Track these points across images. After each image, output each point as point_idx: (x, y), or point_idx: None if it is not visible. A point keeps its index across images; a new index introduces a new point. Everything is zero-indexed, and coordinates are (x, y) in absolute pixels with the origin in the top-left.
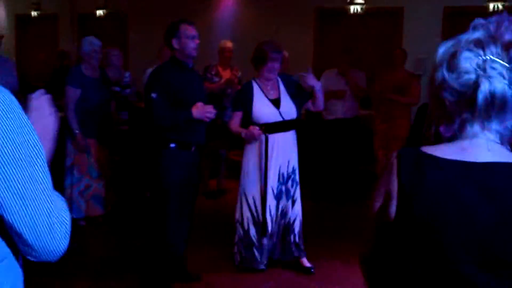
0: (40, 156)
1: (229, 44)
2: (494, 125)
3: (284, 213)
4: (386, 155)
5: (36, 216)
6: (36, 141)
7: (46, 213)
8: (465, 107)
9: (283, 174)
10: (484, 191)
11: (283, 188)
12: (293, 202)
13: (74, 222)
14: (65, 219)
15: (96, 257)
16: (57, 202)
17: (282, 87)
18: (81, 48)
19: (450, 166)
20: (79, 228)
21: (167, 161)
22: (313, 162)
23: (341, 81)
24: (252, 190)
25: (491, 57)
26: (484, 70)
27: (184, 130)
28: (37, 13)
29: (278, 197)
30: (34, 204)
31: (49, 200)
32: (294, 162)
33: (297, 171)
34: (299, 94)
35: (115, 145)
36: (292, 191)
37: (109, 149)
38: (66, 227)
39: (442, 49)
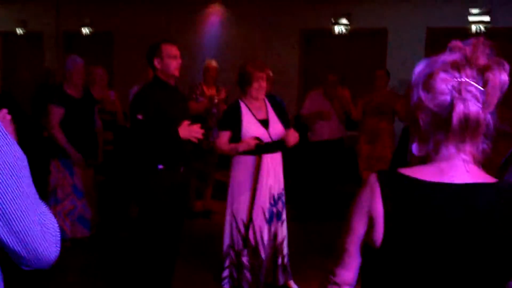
0: (25, 168)
1: (214, 63)
2: (468, 147)
3: (275, 236)
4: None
5: (28, 230)
6: (21, 154)
7: (37, 225)
8: (439, 128)
9: (273, 196)
10: (469, 212)
11: (274, 210)
12: (281, 223)
13: (65, 243)
14: (55, 227)
15: (81, 278)
16: (46, 211)
17: (269, 108)
18: (65, 67)
19: (434, 188)
20: (64, 249)
21: (155, 183)
22: (299, 183)
23: (326, 102)
24: (242, 211)
25: (467, 79)
26: (460, 92)
27: (171, 151)
28: (23, 31)
29: (270, 220)
30: (25, 219)
31: (38, 212)
32: (282, 183)
33: (284, 192)
34: (283, 119)
35: (100, 165)
36: (283, 215)
37: (94, 168)
38: (56, 235)
39: (418, 69)
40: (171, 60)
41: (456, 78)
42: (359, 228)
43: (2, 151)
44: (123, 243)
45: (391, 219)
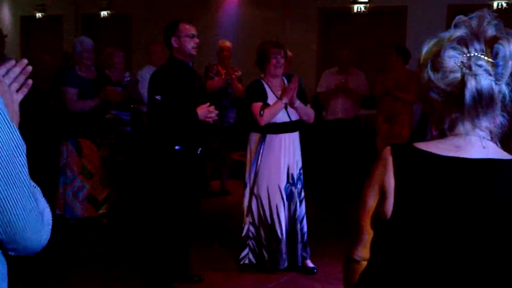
0: (22, 156)
1: (227, 43)
2: (484, 122)
3: (295, 215)
4: None
5: (18, 218)
6: (19, 141)
7: (29, 213)
8: (453, 106)
9: (292, 175)
10: (482, 186)
11: (294, 189)
12: (300, 202)
13: (69, 221)
14: (47, 216)
15: (95, 257)
16: (38, 198)
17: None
18: (74, 49)
19: (447, 162)
20: (73, 227)
21: (173, 164)
22: (315, 163)
23: (341, 80)
24: (260, 188)
25: (476, 54)
26: (469, 67)
27: (189, 132)
28: (42, 15)
29: (289, 198)
30: (16, 206)
31: (31, 198)
32: (300, 163)
33: (302, 173)
34: (301, 97)
35: (119, 146)
36: (302, 193)
37: (112, 149)
38: (48, 223)
39: (425, 49)
40: (189, 39)
41: (465, 53)
42: (371, 201)
43: (2, 139)
44: (137, 222)
45: (402, 192)
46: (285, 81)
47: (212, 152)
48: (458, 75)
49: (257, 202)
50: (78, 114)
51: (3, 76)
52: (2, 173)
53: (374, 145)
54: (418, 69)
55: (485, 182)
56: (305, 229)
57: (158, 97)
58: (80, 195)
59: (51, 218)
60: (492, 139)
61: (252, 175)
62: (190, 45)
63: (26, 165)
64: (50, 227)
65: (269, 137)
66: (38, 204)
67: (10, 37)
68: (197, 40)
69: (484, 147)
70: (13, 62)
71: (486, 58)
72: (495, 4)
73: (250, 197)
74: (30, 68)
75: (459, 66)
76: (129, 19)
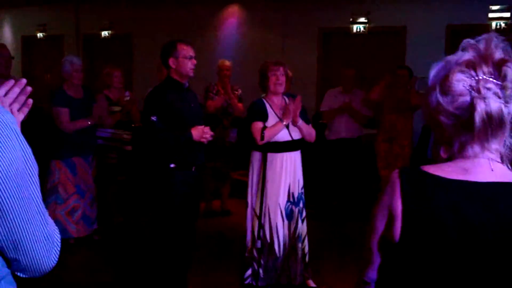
0: (35, 176)
1: (227, 63)
2: (494, 145)
3: (296, 234)
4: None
5: (29, 240)
6: (31, 159)
7: (40, 235)
8: (463, 129)
9: (293, 194)
10: (489, 210)
11: (294, 208)
12: (302, 221)
13: (63, 241)
14: (57, 237)
15: (87, 276)
16: (49, 220)
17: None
18: (62, 68)
19: (455, 186)
20: (68, 247)
21: (167, 181)
22: (316, 182)
23: (345, 100)
24: (262, 207)
25: (484, 77)
26: (478, 91)
27: (184, 150)
28: (43, 35)
29: (289, 217)
30: (28, 228)
31: (42, 220)
32: (302, 182)
33: (303, 190)
34: (303, 116)
35: (120, 165)
36: (303, 212)
37: (113, 168)
38: (57, 245)
39: (433, 72)
40: (187, 61)
41: (473, 77)
42: (380, 225)
43: (16, 158)
44: (134, 243)
45: (410, 216)
46: (286, 100)
47: (213, 172)
48: (467, 98)
49: (259, 222)
50: (70, 133)
51: (3, 96)
52: (15, 194)
53: (375, 164)
54: (426, 92)
55: (493, 206)
56: (307, 249)
57: (153, 118)
58: (75, 215)
59: (60, 240)
60: (502, 161)
61: (254, 194)
62: (188, 66)
63: (39, 186)
64: (59, 248)
65: (270, 156)
66: (48, 224)
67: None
68: (195, 61)
69: (492, 170)
70: (12, 82)
71: (494, 81)
72: (493, 24)
73: (253, 217)
74: (29, 88)
75: (468, 89)
76: (130, 39)
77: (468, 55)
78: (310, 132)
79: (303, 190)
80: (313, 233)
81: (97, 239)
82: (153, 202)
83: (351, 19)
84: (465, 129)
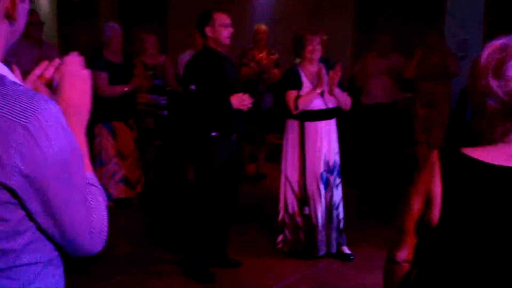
0: (81, 166)
1: (263, 27)
2: None
3: (330, 201)
4: (428, 140)
5: (76, 227)
6: (77, 149)
7: (85, 219)
8: (509, 115)
9: (328, 162)
10: None
11: (330, 177)
12: (336, 188)
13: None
14: (103, 224)
15: (126, 239)
16: (97, 201)
17: (324, 74)
18: (103, 34)
19: (497, 172)
20: (108, 209)
21: (209, 150)
22: (352, 147)
23: (380, 64)
24: (294, 175)
25: None
26: None
27: (224, 119)
28: None
29: (326, 187)
30: (73, 215)
31: (87, 205)
32: (337, 150)
33: (339, 159)
34: (338, 84)
35: (156, 130)
36: (337, 179)
37: (150, 133)
38: (103, 229)
39: (487, 53)
40: (223, 29)
41: None
42: (417, 206)
43: (62, 148)
44: (173, 206)
45: (450, 200)
46: (322, 66)
47: (248, 136)
48: None
49: (292, 189)
50: (110, 97)
51: (38, 77)
52: (61, 184)
53: (412, 129)
54: (473, 73)
55: None
56: (341, 215)
57: (192, 87)
58: (116, 177)
59: (106, 229)
60: None
61: (290, 163)
62: (225, 34)
63: (84, 173)
64: (105, 237)
65: (305, 124)
66: (94, 212)
67: (47, 18)
68: (232, 30)
69: None
70: (45, 63)
71: None
72: None
73: (285, 185)
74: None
75: None
76: (166, 1)
77: None
78: (346, 100)
79: (338, 157)
80: (348, 199)
81: (135, 203)
82: (195, 168)
83: None
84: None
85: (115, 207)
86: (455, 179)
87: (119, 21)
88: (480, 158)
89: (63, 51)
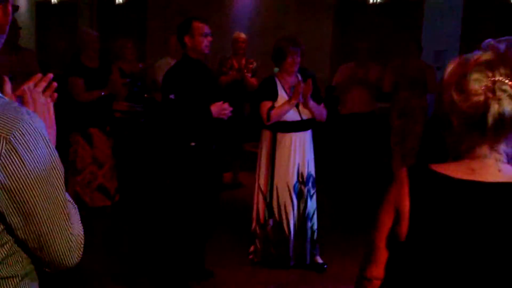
0: (61, 178)
1: (242, 35)
2: (503, 146)
3: (305, 213)
4: (402, 150)
5: (54, 240)
6: (58, 163)
7: (64, 233)
8: (473, 129)
9: (302, 174)
10: (497, 211)
11: (303, 187)
12: (311, 198)
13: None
14: (80, 233)
15: (104, 251)
16: (73, 216)
17: (301, 86)
18: (78, 39)
19: (462, 186)
20: (83, 218)
21: (188, 160)
22: (328, 157)
23: (358, 74)
24: (265, 185)
25: (501, 78)
26: (493, 92)
27: (203, 128)
28: (57, 1)
29: (299, 197)
30: (52, 229)
31: (66, 219)
32: (312, 161)
33: (314, 170)
34: (315, 95)
35: (133, 137)
36: (311, 190)
37: (126, 138)
38: (81, 242)
39: (450, 69)
40: (202, 38)
41: (490, 77)
42: (387, 222)
43: (43, 161)
44: (148, 216)
45: (417, 214)
46: (299, 77)
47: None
48: (482, 98)
49: (265, 200)
50: (87, 104)
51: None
52: (42, 196)
53: (388, 139)
54: (440, 86)
55: (500, 206)
56: (316, 226)
57: (172, 96)
58: (92, 185)
59: (83, 240)
60: (509, 162)
61: (262, 173)
62: (204, 43)
63: (64, 188)
64: (82, 247)
65: (279, 135)
66: (73, 225)
67: (25, 24)
68: (210, 39)
69: (500, 171)
70: (39, 75)
71: (510, 83)
72: None
73: (258, 194)
74: (55, 84)
75: (483, 89)
76: (145, 6)
77: (487, 55)
78: (321, 112)
79: (313, 169)
80: (323, 209)
81: (111, 212)
82: (173, 179)
83: None
84: (476, 129)
85: (91, 216)
86: (422, 195)
87: (98, 27)
88: (447, 173)
89: (41, 57)
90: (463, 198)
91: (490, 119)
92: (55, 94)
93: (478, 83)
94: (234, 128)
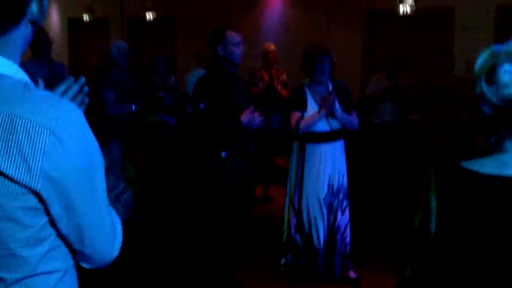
0: (102, 169)
1: (272, 47)
2: None
3: (336, 226)
4: (435, 162)
5: (97, 232)
6: (99, 154)
7: (106, 226)
8: (503, 122)
9: (332, 186)
10: None
11: (334, 199)
12: (342, 212)
13: None
14: (119, 229)
15: (125, 260)
16: (112, 212)
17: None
18: (110, 53)
19: (490, 181)
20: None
21: (219, 170)
22: (360, 168)
23: (389, 84)
24: (296, 197)
25: None
26: None
27: (234, 138)
28: (90, 17)
29: (329, 209)
30: (96, 221)
31: (107, 213)
32: (344, 173)
33: (346, 182)
34: (346, 105)
35: (165, 150)
36: (344, 203)
37: (156, 154)
38: (119, 237)
39: (480, 61)
40: (235, 48)
41: None
42: (418, 221)
43: (87, 152)
44: (176, 227)
45: (444, 211)
46: (330, 86)
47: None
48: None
49: (296, 212)
50: (119, 118)
51: (62, 94)
52: (85, 187)
53: (421, 150)
54: (472, 79)
55: None
56: (348, 239)
57: (201, 105)
58: (123, 198)
59: (121, 232)
60: None
61: (292, 185)
62: (236, 53)
63: (104, 178)
64: (121, 239)
65: (309, 146)
66: (112, 217)
67: (58, 39)
68: (243, 48)
69: None
70: (71, 79)
71: None
72: None
73: (289, 207)
74: (87, 88)
75: None
76: (174, 22)
77: None
78: (351, 121)
79: (345, 180)
80: (356, 223)
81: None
82: (203, 190)
83: (397, 0)
84: (505, 121)
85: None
86: (448, 191)
87: (129, 41)
88: (476, 169)
89: (73, 72)
90: (492, 193)
91: None
92: (87, 99)
93: (508, 74)
94: (264, 140)
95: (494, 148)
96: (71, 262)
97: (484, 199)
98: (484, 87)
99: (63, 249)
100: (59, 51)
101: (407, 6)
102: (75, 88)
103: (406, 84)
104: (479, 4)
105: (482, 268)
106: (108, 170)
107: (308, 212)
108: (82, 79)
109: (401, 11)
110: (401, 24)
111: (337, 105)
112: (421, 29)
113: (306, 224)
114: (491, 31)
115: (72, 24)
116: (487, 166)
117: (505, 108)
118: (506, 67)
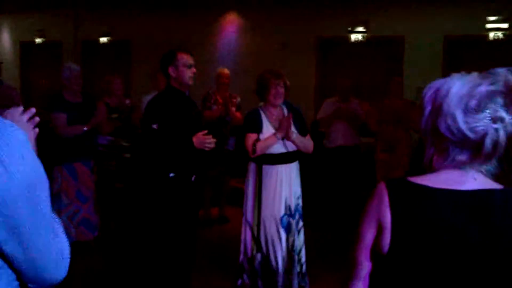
0: (46, 191)
1: (225, 71)
2: (485, 165)
3: (292, 245)
4: None
5: (41, 254)
6: (43, 176)
7: (51, 249)
8: (466, 148)
9: (289, 206)
10: (476, 218)
11: (291, 220)
12: (298, 232)
13: None
14: (66, 250)
15: (85, 282)
16: (59, 233)
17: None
18: (62, 75)
19: (440, 195)
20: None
21: (166, 191)
22: (315, 190)
23: (340, 109)
24: (253, 219)
25: (505, 108)
26: (496, 120)
27: (184, 159)
28: (41, 40)
29: (287, 230)
30: (40, 243)
31: (52, 232)
32: (299, 194)
33: (301, 202)
34: (300, 127)
35: (118, 172)
36: (299, 223)
37: (111, 175)
38: (66, 259)
39: (455, 89)
40: (186, 69)
41: (497, 106)
42: (368, 236)
43: (29, 174)
44: (129, 247)
45: (399, 226)
46: (285, 110)
47: (211, 179)
48: (485, 124)
49: (252, 233)
50: (71, 139)
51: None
52: (28, 209)
53: (374, 173)
54: (432, 101)
55: (480, 213)
56: (304, 259)
57: (154, 126)
58: (75, 219)
59: (69, 255)
60: (481, 172)
61: (249, 206)
62: (187, 75)
63: (49, 200)
64: (68, 262)
65: (265, 168)
66: (58, 238)
67: (9, 62)
68: (194, 70)
69: (475, 179)
70: (20, 108)
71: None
72: (491, 35)
73: (245, 228)
74: (37, 118)
75: (488, 117)
76: (129, 45)
77: (499, 86)
78: (306, 144)
79: (300, 201)
80: (311, 243)
81: (93, 246)
82: (152, 211)
83: (349, 28)
84: (469, 149)
85: (75, 250)
86: (402, 206)
87: (82, 65)
88: (423, 183)
89: (24, 94)
90: (443, 207)
91: (488, 144)
92: (36, 129)
93: (488, 110)
94: (217, 162)
95: (445, 167)
96: (15, 283)
97: (437, 213)
98: (458, 116)
99: (7, 271)
100: (11, 73)
101: (359, 34)
102: (25, 117)
103: (358, 107)
104: (428, 33)
105: (439, 282)
106: (60, 191)
107: (266, 233)
108: (32, 110)
109: (352, 39)
110: (353, 50)
111: (293, 128)
112: (372, 55)
113: (263, 245)
114: (439, 59)
115: (24, 47)
116: (436, 181)
117: (472, 137)
118: (486, 103)
